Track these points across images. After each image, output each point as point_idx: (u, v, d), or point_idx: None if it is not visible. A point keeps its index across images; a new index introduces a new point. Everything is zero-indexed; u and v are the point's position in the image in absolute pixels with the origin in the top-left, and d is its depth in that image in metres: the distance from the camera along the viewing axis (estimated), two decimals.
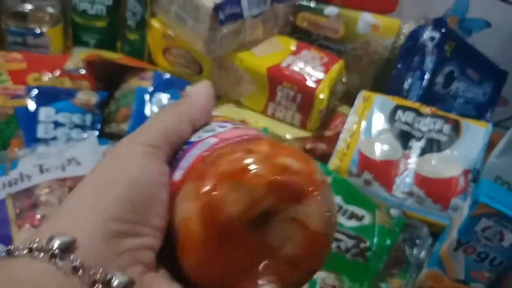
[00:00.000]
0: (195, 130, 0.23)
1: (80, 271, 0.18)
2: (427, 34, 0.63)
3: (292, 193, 0.18)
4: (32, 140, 0.54)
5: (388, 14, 0.68)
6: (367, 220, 0.51)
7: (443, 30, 0.62)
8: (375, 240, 0.49)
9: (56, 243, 0.18)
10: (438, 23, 0.63)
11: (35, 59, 0.61)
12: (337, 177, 0.55)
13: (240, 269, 0.18)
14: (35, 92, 0.56)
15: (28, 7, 0.70)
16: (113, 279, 0.18)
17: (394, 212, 0.53)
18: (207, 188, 0.18)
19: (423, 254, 0.51)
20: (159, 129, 0.22)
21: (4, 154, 0.53)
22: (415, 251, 0.51)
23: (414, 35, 0.64)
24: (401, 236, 0.51)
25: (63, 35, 0.70)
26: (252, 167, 0.18)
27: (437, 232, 0.52)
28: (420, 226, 0.52)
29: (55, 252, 0.18)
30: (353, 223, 0.50)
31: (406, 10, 0.71)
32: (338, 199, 0.52)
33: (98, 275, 0.18)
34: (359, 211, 0.52)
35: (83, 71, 0.60)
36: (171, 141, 0.22)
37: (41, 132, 0.55)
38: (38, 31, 0.66)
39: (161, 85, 0.62)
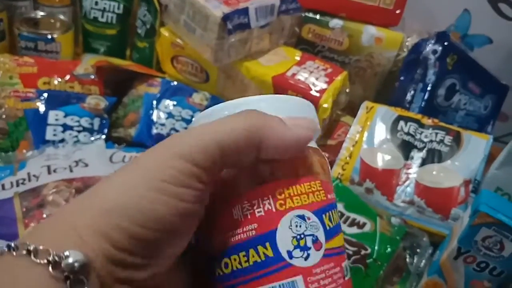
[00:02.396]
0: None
1: None
2: (429, 47, 0.64)
3: None
4: (40, 142, 0.55)
5: (392, 27, 0.70)
6: (368, 227, 0.51)
7: (445, 44, 0.64)
8: (376, 247, 0.49)
9: (71, 263, 0.16)
10: (440, 37, 0.64)
11: (46, 63, 0.62)
12: (339, 184, 0.55)
13: None
14: (45, 95, 0.57)
15: (40, 13, 0.72)
16: None
17: (395, 220, 0.54)
18: None
19: (423, 263, 0.51)
20: (210, 142, 0.18)
21: (13, 155, 0.54)
22: (415, 259, 0.51)
23: (417, 48, 0.66)
24: (402, 244, 0.51)
25: (74, 41, 0.72)
26: None
27: (437, 242, 0.53)
28: (421, 235, 0.52)
29: (70, 276, 0.16)
30: (354, 230, 0.51)
31: (409, 25, 0.73)
32: (340, 206, 0.53)
33: None
34: (360, 218, 0.52)
35: (92, 77, 0.62)
36: (220, 161, 0.18)
37: (49, 135, 0.56)
38: (49, 37, 0.68)
39: (168, 92, 0.64)
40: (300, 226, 0.19)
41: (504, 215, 0.44)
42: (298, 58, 0.66)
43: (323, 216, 0.20)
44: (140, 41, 0.72)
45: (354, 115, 0.64)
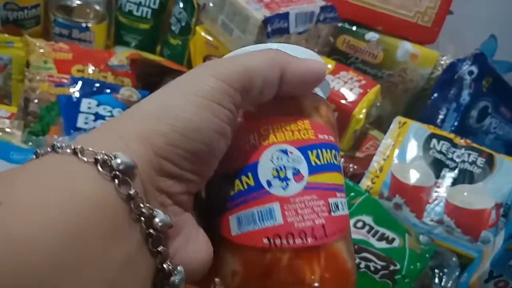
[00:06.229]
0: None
1: (132, 201, 0.17)
2: (466, 67, 0.64)
3: None
4: (71, 128, 0.54)
5: (427, 45, 0.70)
6: (397, 243, 0.51)
7: (482, 65, 0.63)
8: (405, 263, 0.49)
9: (119, 163, 0.16)
10: (478, 58, 0.64)
11: (81, 51, 0.62)
12: (369, 197, 0.55)
13: None
14: (79, 82, 0.57)
15: (76, 2, 0.72)
16: (156, 217, 0.17)
17: (423, 238, 0.53)
18: None
19: (450, 283, 0.51)
20: (240, 67, 0.20)
21: (43, 140, 0.53)
22: (444, 279, 0.50)
23: (452, 68, 0.65)
24: (430, 263, 0.51)
25: (107, 32, 0.72)
26: None
27: (464, 264, 0.52)
28: (450, 255, 0.52)
29: (118, 174, 0.16)
30: (383, 244, 0.50)
31: (443, 45, 0.73)
32: (369, 220, 0.52)
33: (144, 210, 0.17)
34: (389, 233, 0.51)
35: (126, 68, 0.61)
36: (248, 85, 0.20)
37: (81, 122, 0.55)
38: (84, 25, 0.68)
39: None
40: (281, 159, 0.21)
41: None
42: (330, 67, 0.66)
43: (309, 152, 0.21)
44: (173, 38, 0.72)
45: (381, 129, 0.64)
